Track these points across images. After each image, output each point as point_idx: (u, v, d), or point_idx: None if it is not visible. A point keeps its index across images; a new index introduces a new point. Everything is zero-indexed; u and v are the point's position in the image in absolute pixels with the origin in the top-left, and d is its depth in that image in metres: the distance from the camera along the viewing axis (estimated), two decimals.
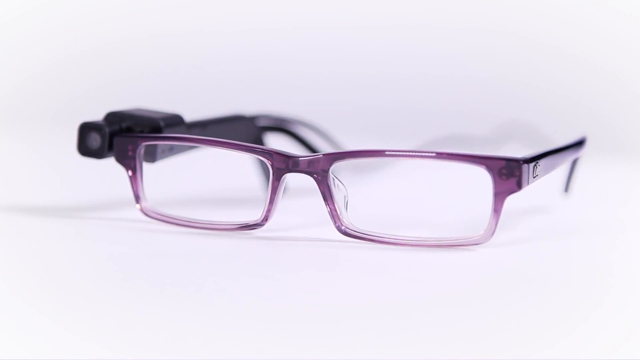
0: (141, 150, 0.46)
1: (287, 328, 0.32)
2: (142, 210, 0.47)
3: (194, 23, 1.05)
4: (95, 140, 0.47)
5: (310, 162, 0.43)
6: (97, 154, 0.47)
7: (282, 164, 0.44)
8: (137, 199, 0.47)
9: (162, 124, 0.48)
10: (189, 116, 0.51)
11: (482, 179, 0.42)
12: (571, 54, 0.99)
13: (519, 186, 0.42)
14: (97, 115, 0.49)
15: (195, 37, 1.05)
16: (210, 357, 0.29)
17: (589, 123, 0.90)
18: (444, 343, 0.31)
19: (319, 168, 0.43)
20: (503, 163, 0.42)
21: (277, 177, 0.44)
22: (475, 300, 0.36)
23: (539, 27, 1.00)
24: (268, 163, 0.44)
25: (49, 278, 0.37)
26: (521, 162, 0.41)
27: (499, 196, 0.42)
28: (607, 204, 0.61)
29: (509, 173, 0.41)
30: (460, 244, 0.43)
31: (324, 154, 0.43)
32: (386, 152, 0.43)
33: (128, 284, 0.37)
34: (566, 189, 0.56)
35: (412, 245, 0.43)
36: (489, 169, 0.42)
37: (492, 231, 0.42)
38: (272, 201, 0.44)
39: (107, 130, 0.47)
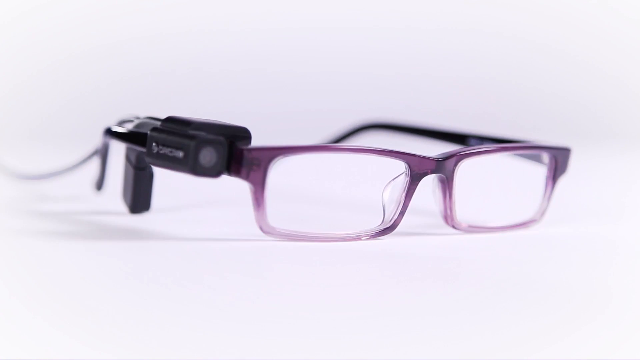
0: (274, 163, 0.41)
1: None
2: (268, 230, 0.42)
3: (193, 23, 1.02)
4: (209, 156, 0.40)
5: (445, 163, 0.45)
6: (212, 172, 0.40)
7: (421, 167, 0.44)
8: (264, 216, 0.41)
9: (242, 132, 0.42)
10: None
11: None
12: (570, 54, 1.02)
13: (565, 170, 0.50)
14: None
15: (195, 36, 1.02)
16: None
17: (587, 122, 0.93)
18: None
19: (449, 168, 0.45)
20: (560, 150, 0.49)
21: (415, 180, 0.44)
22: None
23: (538, 27, 1.02)
24: (406, 166, 0.44)
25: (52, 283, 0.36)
26: (570, 150, 0.50)
27: (552, 180, 0.50)
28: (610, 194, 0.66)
29: (562, 159, 0.50)
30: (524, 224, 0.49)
31: (456, 154, 0.45)
32: (507, 147, 0.48)
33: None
34: None
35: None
36: (552, 155, 0.49)
37: (542, 212, 0.50)
38: (406, 205, 0.44)
39: (226, 144, 0.40)
